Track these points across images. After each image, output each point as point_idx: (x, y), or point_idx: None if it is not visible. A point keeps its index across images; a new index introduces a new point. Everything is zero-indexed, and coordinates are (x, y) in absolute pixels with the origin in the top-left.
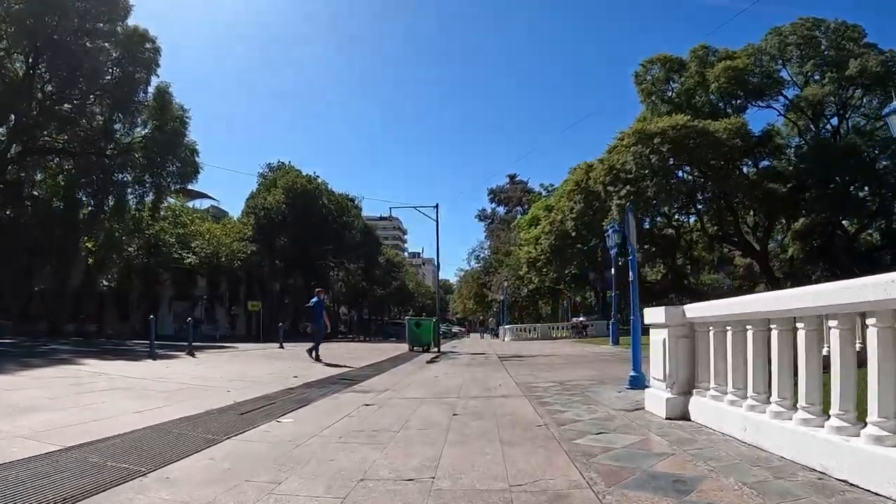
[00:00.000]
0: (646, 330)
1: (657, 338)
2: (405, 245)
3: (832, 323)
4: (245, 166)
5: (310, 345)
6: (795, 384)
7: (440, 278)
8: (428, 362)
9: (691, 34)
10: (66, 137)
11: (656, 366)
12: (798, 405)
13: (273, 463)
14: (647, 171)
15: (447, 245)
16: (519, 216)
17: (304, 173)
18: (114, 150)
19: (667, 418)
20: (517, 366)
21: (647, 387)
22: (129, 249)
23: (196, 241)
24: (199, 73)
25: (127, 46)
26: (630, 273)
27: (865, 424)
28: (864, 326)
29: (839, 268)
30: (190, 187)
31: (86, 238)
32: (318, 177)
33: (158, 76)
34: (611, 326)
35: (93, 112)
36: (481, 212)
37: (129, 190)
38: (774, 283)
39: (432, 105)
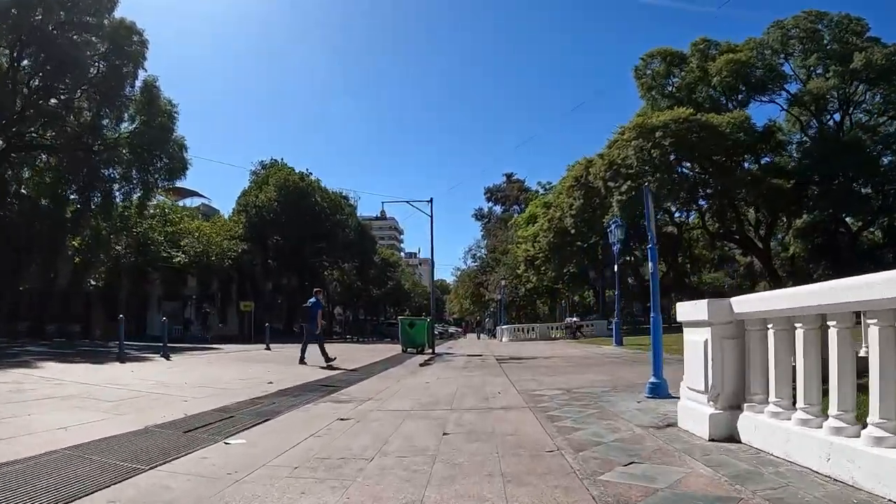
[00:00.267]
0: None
1: (695, 338)
2: (401, 245)
3: None
4: (238, 165)
5: (306, 349)
6: None
7: (436, 278)
8: (421, 365)
9: (691, 28)
10: (53, 133)
11: (693, 373)
12: None
13: None
14: (648, 167)
15: (444, 245)
16: (516, 215)
17: (296, 171)
18: (101, 145)
19: (710, 440)
20: (517, 369)
21: (669, 395)
22: (117, 248)
23: (185, 240)
24: (192, 70)
25: (114, 39)
26: (650, 264)
27: None
28: None
29: (842, 266)
30: (181, 185)
31: (71, 236)
32: (310, 174)
33: (146, 70)
34: (613, 326)
35: (80, 107)
36: (478, 211)
37: (116, 186)
38: (777, 282)
39: (429, 102)
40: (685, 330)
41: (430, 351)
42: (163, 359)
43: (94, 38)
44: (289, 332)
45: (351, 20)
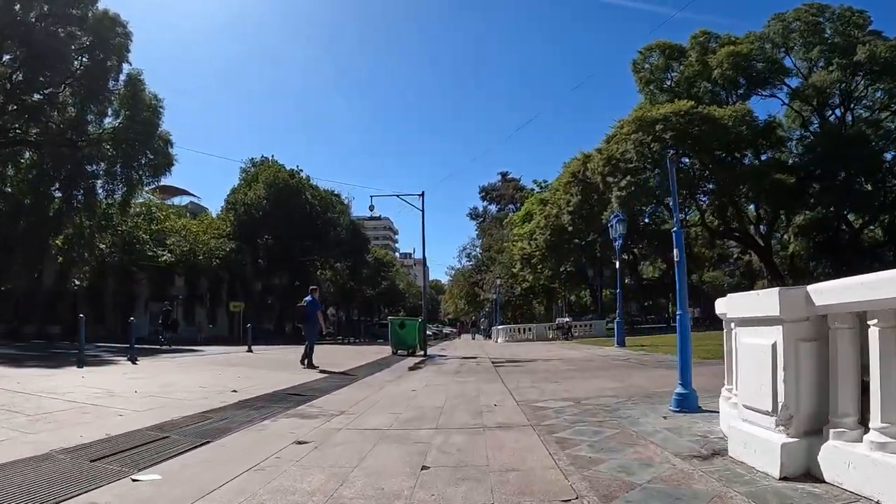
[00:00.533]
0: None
1: (755, 341)
2: (396, 245)
3: None
4: (230, 164)
5: (312, 352)
6: None
7: (431, 278)
8: (410, 369)
9: (690, 21)
10: (37, 130)
11: (751, 387)
12: None
13: None
14: (648, 161)
15: (439, 246)
16: (511, 213)
17: (286, 168)
18: (84, 141)
19: (782, 478)
20: (515, 374)
21: (699, 408)
22: (101, 246)
23: (171, 239)
24: (184, 67)
25: (97, 32)
26: (675, 251)
27: None
28: None
29: (844, 264)
30: (171, 184)
31: (55, 235)
32: (301, 171)
33: (130, 63)
34: (615, 326)
35: (65, 102)
36: (473, 210)
37: (100, 183)
38: (779, 280)
39: (422, 98)
40: (739, 330)
41: (422, 353)
42: (129, 363)
43: (77, 31)
44: (281, 333)
45: (344, 16)
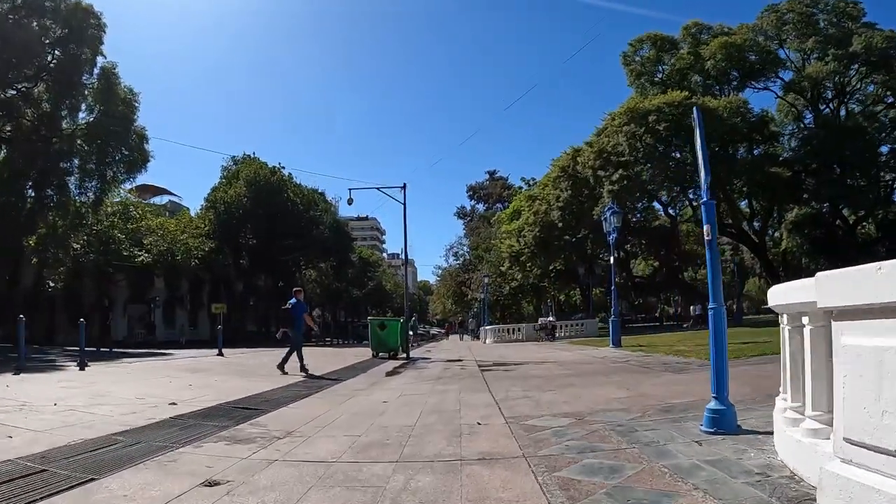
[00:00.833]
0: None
1: (865, 343)
2: (384, 246)
3: None
4: (213, 165)
5: (302, 356)
6: None
7: (419, 279)
8: (387, 374)
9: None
10: (9, 127)
11: (871, 414)
12: None
13: None
14: (641, 154)
15: (427, 246)
16: (499, 212)
17: (268, 165)
18: (58, 137)
19: None
20: (504, 380)
21: (738, 428)
22: (75, 246)
23: (148, 238)
24: (166, 64)
25: (71, 23)
26: (703, 227)
27: None
28: None
29: (841, 260)
30: (151, 183)
31: (27, 235)
32: (283, 168)
33: (105, 56)
34: (611, 324)
35: (39, 97)
36: (460, 209)
37: (72, 180)
38: (774, 277)
39: (408, 93)
40: (842, 326)
41: (405, 356)
42: (76, 369)
43: (50, 23)
44: (266, 335)
45: (330, 15)
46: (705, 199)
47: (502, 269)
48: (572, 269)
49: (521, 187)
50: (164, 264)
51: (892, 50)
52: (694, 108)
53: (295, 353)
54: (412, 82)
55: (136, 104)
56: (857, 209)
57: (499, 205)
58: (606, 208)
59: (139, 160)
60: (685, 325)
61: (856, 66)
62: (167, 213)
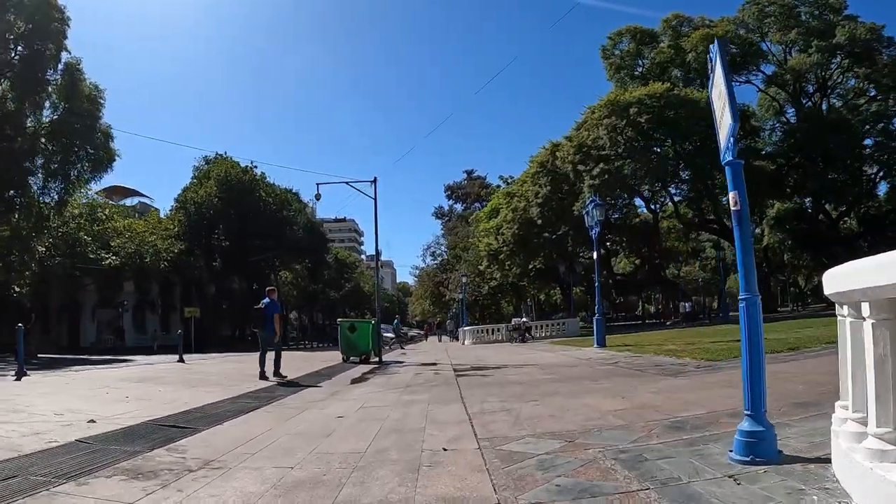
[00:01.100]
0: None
1: None
2: (362, 248)
3: None
4: (186, 166)
5: (265, 360)
6: None
7: (399, 280)
8: (353, 381)
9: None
10: None
11: None
12: None
13: None
14: (622, 148)
15: (406, 248)
16: (478, 211)
17: (241, 164)
18: (21, 136)
19: None
20: (480, 388)
21: (779, 454)
22: (40, 249)
23: (116, 240)
24: (140, 64)
25: (34, 18)
26: (730, 196)
27: None
28: None
29: (825, 255)
30: (122, 184)
31: None
32: (255, 167)
33: (69, 52)
34: (595, 323)
35: (4, 95)
36: (438, 209)
37: (34, 180)
38: (759, 272)
39: (388, 88)
40: None
41: (377, 359)
42: (11, 379)
43: (13, 17)
44: (241, 339)
45: (308, 12)
46: (731, 157)
47: (480, 268)
48: (552, 268)
49: (499, 186)
50: (133, 267)
51: (875, 42)
52: (715, 40)
53: (276, 353)
54: (387, 77)
55: (102, 101)
56: (841, 203)
57: (477, 204)
58: (589, 201)
59: (105, 159)
60: (668, 323)
61: (839, 58)
62: (136, 215)
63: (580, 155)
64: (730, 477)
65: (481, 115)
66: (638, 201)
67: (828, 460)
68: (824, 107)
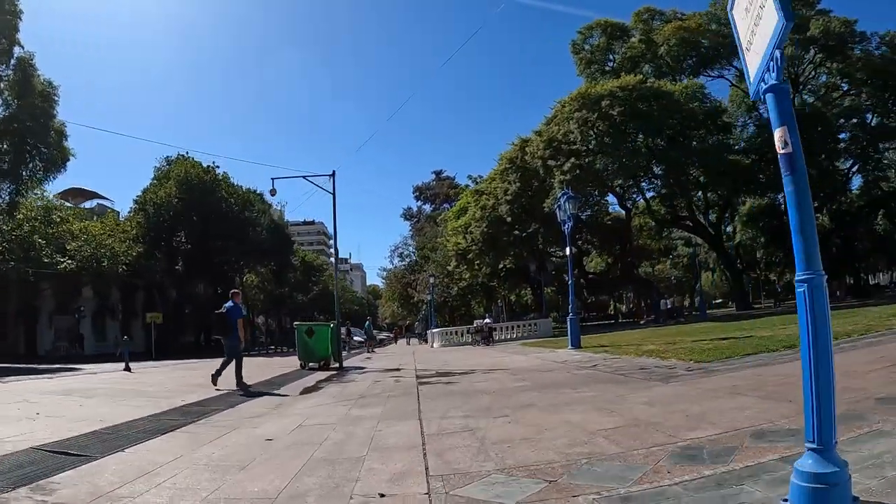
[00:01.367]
0: None
1: None
2: (331, 250)
3: None
4: (149, 167)
5: (224, 369)
6: None
7: (369, 283)
8: (303, 392)
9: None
10: None
11: None
12: None
13: None
14: (594, 142)
15: (377, 250)
16: (446, 211)
17: (202, 164)
18: None
19: None
20: (443, 398)
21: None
22: None
23: (72, 244)
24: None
25: None
26: (779, 136)
27: None
28: None
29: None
30: (82, 186)
31: None
32: (217, 167)
33: (22, 46)
34: (569, 323)
35: None
36: (407, 210)
37: None
38: (732, 270)
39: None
40: None
41: (336, 366)
42: None
43: None
44: (206, 345)
45: (279, 14)
46: (775, 78)
47: (449, 268)
48: (523, 267)
49: (468, 186)
50: (91, 271)
51: (848, 36)
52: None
53: (233, 364)
54: (356, 77)
55: (56, 98)
56: (813, 199)
57: (446, 205)
58: (561, 193)
59: (59, 158)
60: (642, 322)
61: (812, 52)
62: (94, 217)
63: (550, 150)
64: None
65: (454, 119)
66: (610, 198)
67: None
68: (797, 101)
